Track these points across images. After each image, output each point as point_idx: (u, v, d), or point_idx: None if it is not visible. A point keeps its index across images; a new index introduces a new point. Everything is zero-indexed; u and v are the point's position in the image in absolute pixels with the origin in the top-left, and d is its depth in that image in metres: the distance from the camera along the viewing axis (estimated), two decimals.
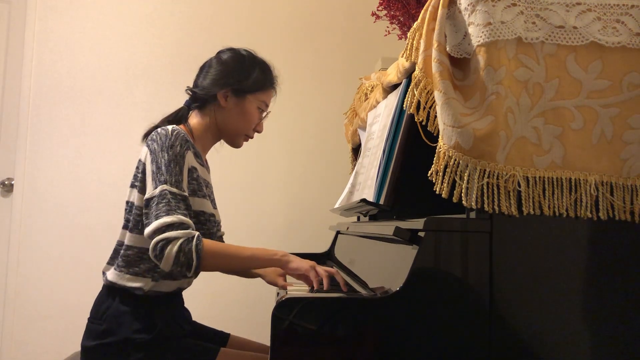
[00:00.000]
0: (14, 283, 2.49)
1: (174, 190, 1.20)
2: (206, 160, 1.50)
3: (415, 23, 1.06)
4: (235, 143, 1.46)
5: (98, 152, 2.56)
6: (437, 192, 0.93)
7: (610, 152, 0.92)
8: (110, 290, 1.28)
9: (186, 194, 1.23)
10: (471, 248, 0.91)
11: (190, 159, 1.28)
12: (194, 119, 1.41)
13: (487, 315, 0.90)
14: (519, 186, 0.89)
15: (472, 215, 0.93)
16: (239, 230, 2.55)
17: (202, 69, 1.44)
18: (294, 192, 2.63)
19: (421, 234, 0.94)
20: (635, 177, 0.92)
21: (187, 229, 1.17)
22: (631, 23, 0.93)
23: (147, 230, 1.17)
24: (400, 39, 1.77)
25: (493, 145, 0.89)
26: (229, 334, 1.52)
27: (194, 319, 1.51)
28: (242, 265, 1.28)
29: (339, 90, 2.64)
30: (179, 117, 1.41)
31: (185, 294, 1.45)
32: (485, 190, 0.89)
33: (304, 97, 2.66)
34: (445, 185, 0.92)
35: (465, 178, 0.89)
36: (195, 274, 1.20)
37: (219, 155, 2.27)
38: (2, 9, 2.59)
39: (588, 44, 0.93)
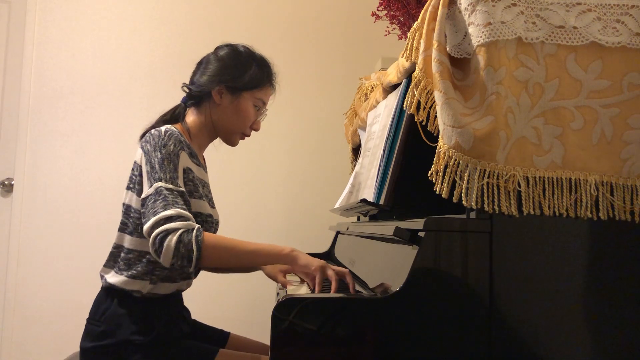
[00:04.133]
0: (14, 283, 2.49)
1: (170, 186, 1.18)
2: (204, 159, 1.49)
3: (415, 23, 1.06)
4: (231, 141, 1.43)
5: (98, 152, 2.57)
6: (437, 192, 0.93)
7: (610, 152, 0.92)
8: (108, 291, 1.28)
9: (183, 189, 1.21)
10: (471, 248, 0.91)
11: (184, 160, 1.26)
12: (191, 116, 1.40)
13: (487, 315, 0.90)
14: (519, 186, 0.89)
15: (472, 215, 0.93)
16: (239, 230, 2.55)
17: (199, 65, 1.43)
18: (294, 192, 2.63)
19: (421, 234, 0.94)
20: (635, 177, 0.92)
21: (186, 221, 1.15)
22: (631, 23, 0.93)
23: (146, 226, 1.14)
24: (400, 39, 1.77)
25: (493, 145, 0.89)
26: (229, 333, 1.52)
27: (194, 318, 1.51)
28: (246, 261, 1.19)
29: (339, 90, 2.64)
30: (175, 115, 1.40)
31: (185, 293, 1.45)
32: (485, 190, 0.89)
33: (304, 97, 2.66)
34: (445, 185, 0.92)
35: (465, 178, 0.89)
36: (196, 268, 1.16)
37: (219, 154, 2.26)
38: (2, 9, 2.59)
39: (588, 44, 0.93)
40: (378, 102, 1.54)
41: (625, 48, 0.93)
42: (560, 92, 0.92)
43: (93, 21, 2.61)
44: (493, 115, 0.89)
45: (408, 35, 1.09)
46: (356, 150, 2.02)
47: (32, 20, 2.58)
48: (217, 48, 1.43)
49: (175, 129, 1.28)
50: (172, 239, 1.11)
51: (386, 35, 1.83)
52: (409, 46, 1.08)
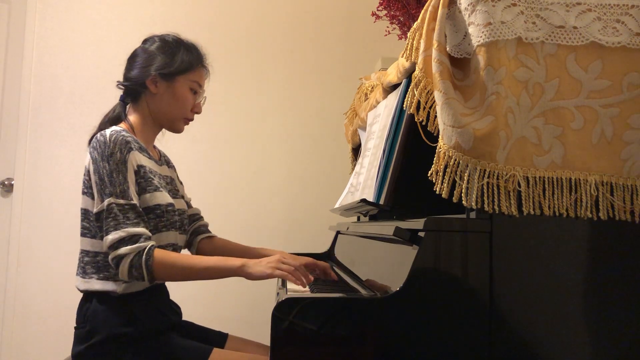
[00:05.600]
0: (14, 283, 2.49)
1: (120, 201, 1.20)
2: (158, 153, 1.49)
3: (415, 23, 1.07)
4: (175, 128, 1.43)
5: None
6: (437, 192, 0.93)
7: (610, 152, 0.92)
8: (87, 295, 1.29)
9: (134, 202, 1.22)
10: (471, 248, 0.91)
11: (134, 159, 1.26)
12: (132, 113, 1.40)
13: (487, 315, 0.90)
14: (519, 186, 0.89)
15: (472, 215, 0.93)
16: (239, 230, 2.56)
17: (129, 60, 1.43)
18: (294, 192, 2.63)
19: (421, 234, 0.94)
20: (635, 177, 0.92)
21: (137, 242, 1.18)
22: (631, 23, 0.93)
23: (104, 246, 1.21)
24: (400, 39, 1.77)
25: (493, 145, 0.89)
26: (227, 334, 1.52)
27: (193, 320, 1.50)
28: (198, 277, 1.24)
29: (339, 90, 2.64)
30: (117, 114, 1.40)
31: (184, 294, 1.45)
32: (485, 190, 0.89)
33: (304, 97, 2.66)
34: (445, 185, 0.92)
35: (465, 178, 0.89)
36: (153, 283, 1.23)
37: (219, 154, 2.27)
38: (2, 9, 2.59)
39: (588, 44, 0.93)
40: (378, 102, 1.54)
41: (625, 48, 0.93)
42: (560, 92, 0.92)
43: (93, 21, 2.61)
44: (493, 115, 0.89)
45: (408, 35, 1.09)
46: (356, 150, 2.02)
47: (32, 20, 2.58)
48: (144, 40, 1.44)
49: (120, 129, 1.29)
50: (125, 264, 1.18)
51: (386, 35, 1.83)
52: (409, 46, 1.08)
